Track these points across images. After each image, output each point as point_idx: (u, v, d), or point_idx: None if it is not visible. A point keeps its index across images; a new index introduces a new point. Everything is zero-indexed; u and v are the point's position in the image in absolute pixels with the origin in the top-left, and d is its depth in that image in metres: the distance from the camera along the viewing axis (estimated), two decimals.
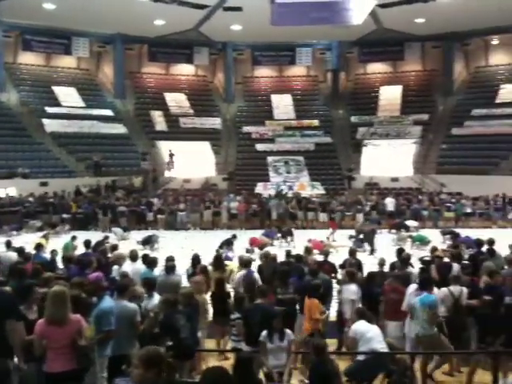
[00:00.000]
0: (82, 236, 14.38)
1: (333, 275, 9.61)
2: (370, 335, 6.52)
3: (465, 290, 7.78)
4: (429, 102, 34.12)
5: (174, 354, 4.61)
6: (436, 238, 17.44)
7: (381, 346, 6.55)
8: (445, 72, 34.49)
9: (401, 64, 36.29)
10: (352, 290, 8.10)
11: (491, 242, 10.64)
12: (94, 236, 14.91)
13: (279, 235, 18.81)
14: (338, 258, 11.37)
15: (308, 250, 10.89)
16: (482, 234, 15.50)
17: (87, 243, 11.70)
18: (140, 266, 9.38)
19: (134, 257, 9.60)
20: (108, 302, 6.22)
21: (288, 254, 10.77)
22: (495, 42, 33.59)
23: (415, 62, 36.00)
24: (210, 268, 9.53)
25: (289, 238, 18.13)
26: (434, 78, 35.36)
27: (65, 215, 22.21)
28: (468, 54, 34.99)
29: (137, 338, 6.08)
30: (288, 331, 6.40)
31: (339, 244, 17.14)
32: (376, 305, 8.08)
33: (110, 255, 10.55)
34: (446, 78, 34.39)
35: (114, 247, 11.47)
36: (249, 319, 6.85)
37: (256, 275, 8.88)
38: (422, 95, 34.73)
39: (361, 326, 6.64)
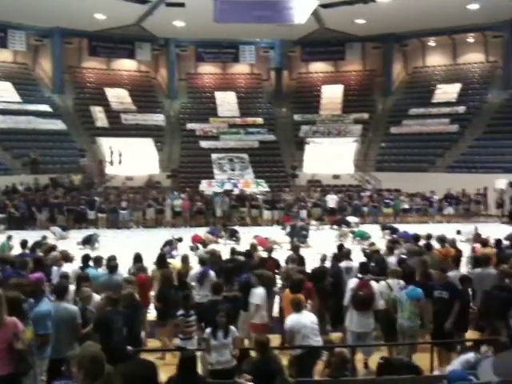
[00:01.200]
0: (18, 236, 13.90)
1: (276, 271, 9.74)
2: (306, 332, 6.58)
3: (402, 283, 8.06)
4: (369, 101, 35.00)
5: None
6: (376, 234, 17.99)
7: (316, 339, 6.66)
8: (384, 72, 35.47)
9: (342, 64, 36.99)
10: (258, 294, 7.87)
11: (429, 237, 11.07)
12: (31, 236, 14.41)
13: (224, 232, 18.87)
14: (282, 254, 11.52)
15: (253, 247, 10.96)
16: (419, 229, 16.14)
17: (24, 243, 11.31)
18: (76, 266, 9.20)
19: (66, 258, 9.41)
20: (46, 304, 6.03)
21: (233, 251, 10.78)
22: (432, 43, 34.80)
23: (356, 62, 36.81)
24: (153, 267, 9.45)
25: (234, 238, 18.08)
26: (374, 77, 36.27)
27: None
28: (406, 55, 36.10)
29: (77, 340, 5.95)
30: (232, 328, 6.44)
31: (284, 240, 17.38)
32: (326, 298, 8.25)
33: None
34: (385, 78, 35.37)
35: (53, 247, 11.14)
36: (206, 315, 6.84)
37: (212, 273, 8.85)
38: (363, 95, 35.56)
39: (296, 321, 6.65)
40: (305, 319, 6.68)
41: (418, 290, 7.55)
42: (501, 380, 5.05)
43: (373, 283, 7.99)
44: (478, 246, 11.45)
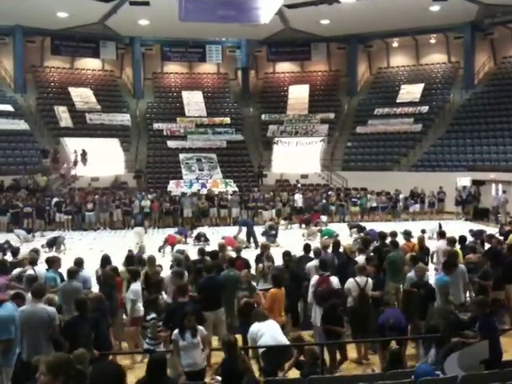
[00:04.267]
0: None
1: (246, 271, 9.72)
2: (263, 340, 6.59)
3: (370, 280, 8.17)
4: (334, 101, 35.31)
5: None
6: (344, 232, 18.20)
7: (275, 338, 6.64)
8: (349, 72, 35.85)
9: (308, 64, 37.23)
10: (133, 290, 8.05)
11: (394, 235, 11.23)
12: None
13: (191, 232, 18.78)
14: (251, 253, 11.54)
15: (221, 247, 10.94)
16: (386, 226, 16.39)
17: None
18: (43, 269, 9.01)
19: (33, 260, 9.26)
20: (8, 309, 5.86)
21: (201, 251, 10.73)
22: (395, 44, 35.36)
23: (321, 63, 37.08)
24: (122, 268, 9.33)
25: (203, 238, 17.97)
26: (339, 78, 36.60)
27: None
28: (370, 56, 36.56)
29: (53, 342, 5.87)
30: (200, 327, 6.41)
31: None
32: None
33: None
34: (350, 78, 35.75)
35: (16, 250, 10.90)
36: (173, 317, 6.80)
37: (186, 274, 8.85)
38: (328, 95, 35.86)
39: (256, 330, 6.69)
40: (264, 328, 6.67)
41: (444, 278, 8.22)
42: (466, 374, 5.17)
43: (333, 279, 8.08)
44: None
